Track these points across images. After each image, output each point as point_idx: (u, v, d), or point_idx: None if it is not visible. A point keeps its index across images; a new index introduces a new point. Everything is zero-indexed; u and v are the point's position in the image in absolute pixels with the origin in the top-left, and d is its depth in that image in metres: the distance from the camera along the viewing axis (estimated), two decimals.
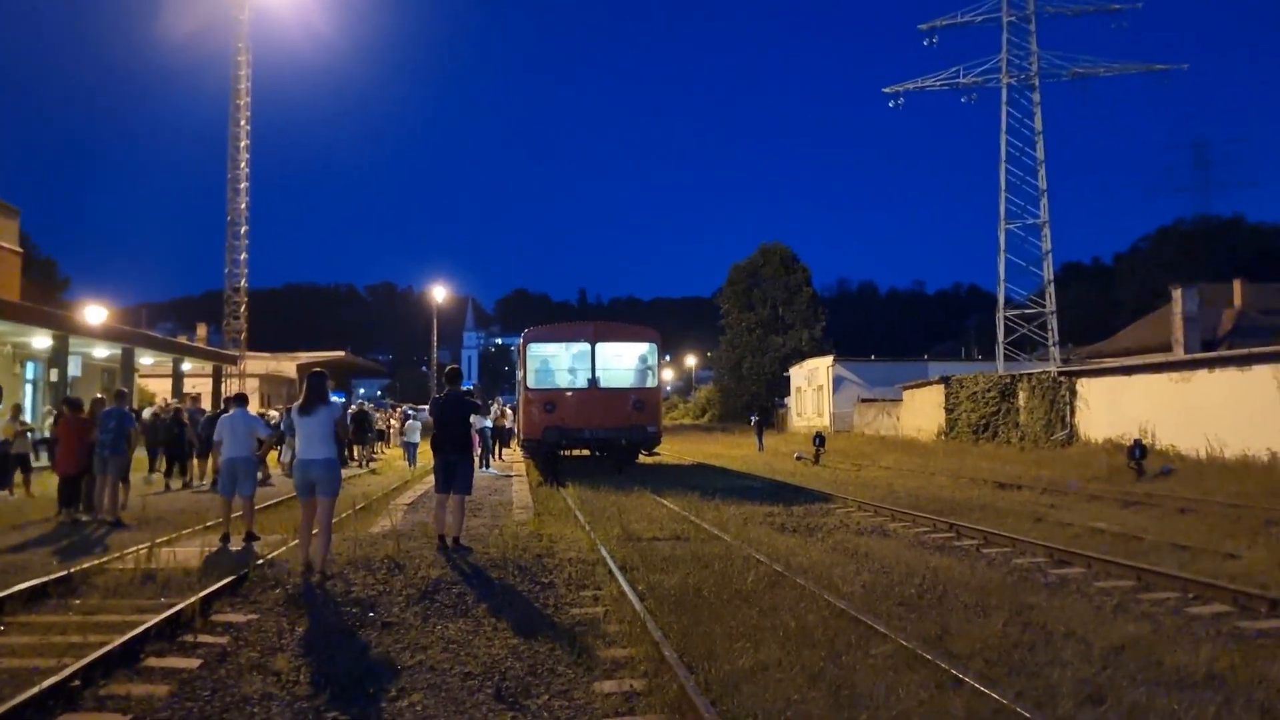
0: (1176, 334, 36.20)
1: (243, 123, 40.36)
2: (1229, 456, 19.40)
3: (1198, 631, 6.93)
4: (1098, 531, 11.95)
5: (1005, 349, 44.81)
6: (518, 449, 28.74)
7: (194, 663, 6.11)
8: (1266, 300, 41.45)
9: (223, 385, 40.01)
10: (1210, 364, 22.19)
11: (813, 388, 54.81)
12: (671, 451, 33.68)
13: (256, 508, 11.48)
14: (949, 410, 33.44)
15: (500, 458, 27.69)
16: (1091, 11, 47.07)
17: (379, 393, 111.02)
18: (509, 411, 30.01)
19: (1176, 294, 36.87)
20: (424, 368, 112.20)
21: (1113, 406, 24.78)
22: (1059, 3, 46.71)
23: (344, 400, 51.02)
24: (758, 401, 65.84)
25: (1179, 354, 32.39)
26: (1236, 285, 41.67)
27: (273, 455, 19.75)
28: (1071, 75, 46.67)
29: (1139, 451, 19.49)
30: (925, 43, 48.21)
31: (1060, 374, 27.98)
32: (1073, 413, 26.46)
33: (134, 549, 9.79)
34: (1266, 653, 6.30)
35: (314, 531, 9.26)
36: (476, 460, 18.24)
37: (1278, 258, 67.52)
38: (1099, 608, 7.77)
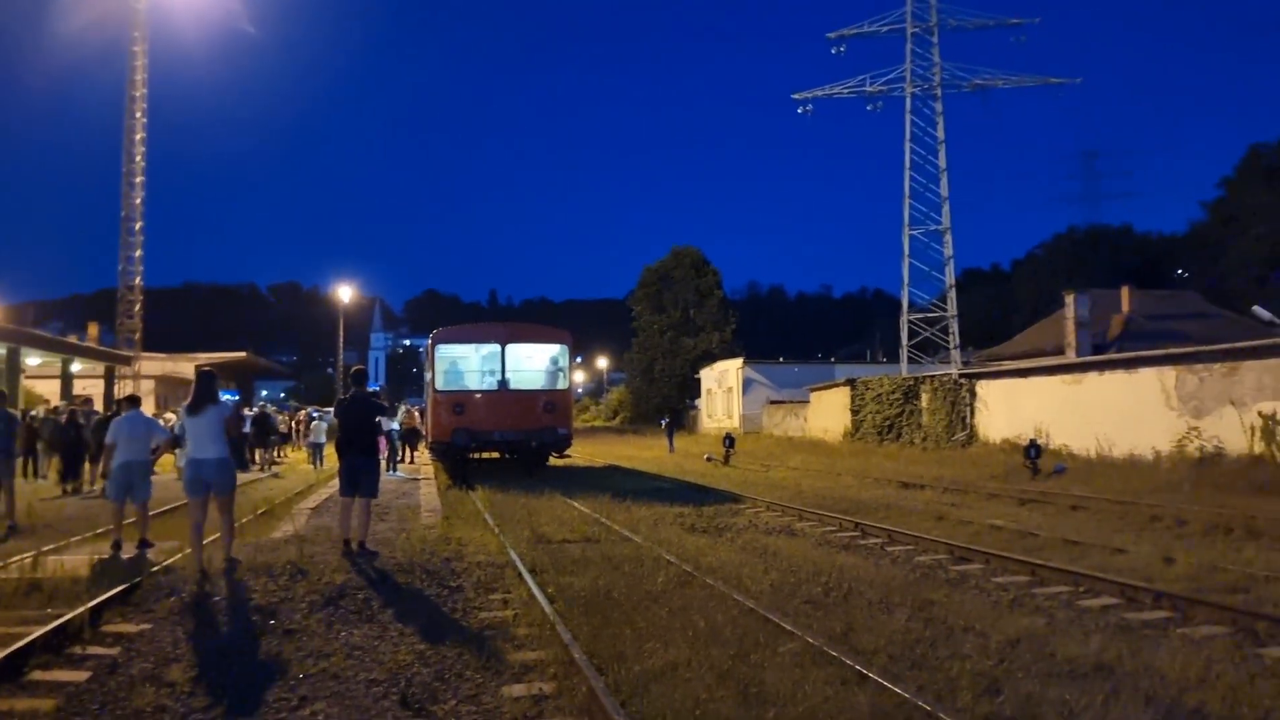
0: (1069, 338, 37.69)
1: (138, 115, 38.85)
2: (1117, 455, 20.24)
3: (1088, 623, 7.21)
4: (995, 529, 12.35)
5: (909, 352, 45.92)
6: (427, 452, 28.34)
7: (82, 675, 5.85)
8: (1152, 306, 43.43)
9: (115, 387, 38.49)
10: (1100, 367, 23.12)
11: (723, 390, 55.34)
12: (583, 453, 33.62)
13: (150, 513, 11.06)
14: (855, 412, 34.13)
15: (411, 461, 27.27)
16: (992, 26, 48.67)
17: (283, 395, 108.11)
18: (418, 414, 29.58)
19: (1069, 300, 38.39)
20: (330, 369, 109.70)
21: (1010, 408, 25.63)
22: (961, 16, 48.13)
23: (236, 399, 49.58)
24: (669, 403, 66.18)
25: (1071, 357, 33.74)
26: (1124, 292, 43.51)
27: (170, 459, 19.01)
28: (972, 86, 48.10)
29: (1034, 451, 20.19)
30: (833, 51, 49.06)
31: (961, 376, 28.80)
32: (973, 414, 27.27)
33: (18, 558, 9.33)
34: (1151, 642, 6.58)
35: (213, 537, 8.98)
36: (383, 463, 17.93)
37: (1163, 265, 70.86)
38: (996, 602, 8.02)
